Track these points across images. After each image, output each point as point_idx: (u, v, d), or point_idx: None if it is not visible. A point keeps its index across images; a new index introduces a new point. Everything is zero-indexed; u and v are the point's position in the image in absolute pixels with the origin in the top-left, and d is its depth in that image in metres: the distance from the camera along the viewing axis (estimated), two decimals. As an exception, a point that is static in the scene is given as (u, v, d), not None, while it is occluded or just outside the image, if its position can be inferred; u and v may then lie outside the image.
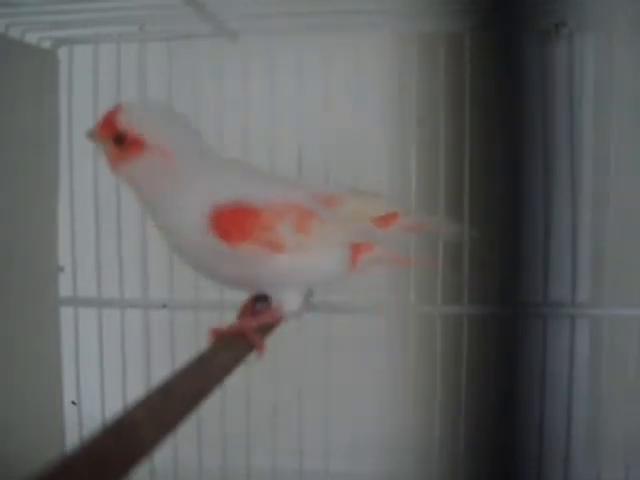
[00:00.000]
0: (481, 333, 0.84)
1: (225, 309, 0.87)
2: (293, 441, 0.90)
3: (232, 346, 0.56)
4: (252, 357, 0.59)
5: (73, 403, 0.93)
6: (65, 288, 0.92)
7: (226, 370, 0.51)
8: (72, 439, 0.91)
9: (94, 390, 0.91)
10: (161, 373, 0.47)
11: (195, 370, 0.49)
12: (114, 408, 0.42)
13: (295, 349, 0.87)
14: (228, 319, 0.65)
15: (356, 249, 0.62)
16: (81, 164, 0.91)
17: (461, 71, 0.83)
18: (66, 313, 0.92)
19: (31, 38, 0.87)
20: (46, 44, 0.90)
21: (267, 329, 0.61)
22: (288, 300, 0.60)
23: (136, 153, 0.55)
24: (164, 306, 0.90)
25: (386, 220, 0.73)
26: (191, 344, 0.72)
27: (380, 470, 0.92)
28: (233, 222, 0.55)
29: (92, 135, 0.58)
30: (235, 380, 0.54)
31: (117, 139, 0.56)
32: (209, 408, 0.49)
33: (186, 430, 0.45)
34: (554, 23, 0.81)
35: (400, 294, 0.88)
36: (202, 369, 0.49)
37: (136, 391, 0.46)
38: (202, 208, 0.55)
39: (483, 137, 0.80)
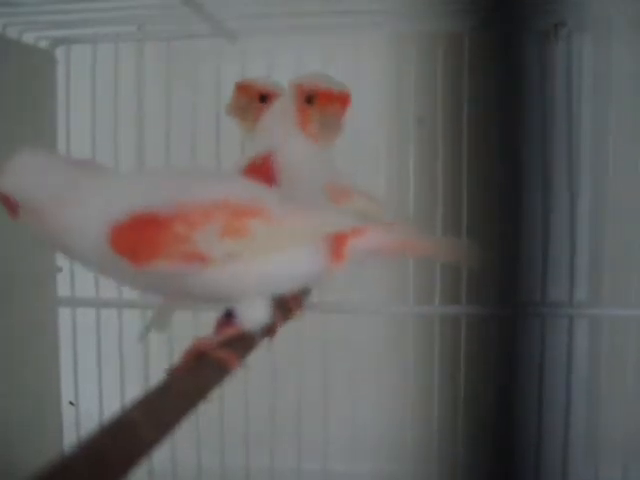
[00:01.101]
0: (479, 333, 0.84)
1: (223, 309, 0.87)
2: (292, 441, 0.90)
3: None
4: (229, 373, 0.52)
5: (71, 403, 0.93)
6: (63, 288, 0.92)
7: (226, 370, 0.51)
8: (70, 439, 0.91)
9: (92, 390, 0.91)
10: (159, 373, 0.47)
11: (194, 370, 0.48)
12: (112, 408, 0.42)
13: (294, 349, 0.87)
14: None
15: (339, 239, 0.51)
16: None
17: (460, 71, 0.83)
18: (64, 313, 0.92)
19: (29, 38, 0.87)
20: (44, 44, 0.90)
21: (242, 342, 0.53)
22: (246, 311, 0.51)
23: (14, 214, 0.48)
24: (162, 306, 0.90)
25: None
26: (189, 344, 0.72)
27: (379, 470, 0.92)
28: (135, 239, 0.45)
29: None
30: (233, 381, 0.53)
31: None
32: (207, 408, 0.49)
33: (184, 430, 0.45)
34: (553, 23, 0.81)
35: (398, 294, 0.88)
36: (201, 369, 0.49)
37: (134, 391, 0.46)
38: (98, 229, 0.45)
39: (481, 137, 0.80)
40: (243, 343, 0.53)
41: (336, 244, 0.51)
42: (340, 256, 0.51)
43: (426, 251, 0.56)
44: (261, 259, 0.48)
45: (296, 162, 0.61)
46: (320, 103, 0.62)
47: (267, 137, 0.64)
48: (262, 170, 0.60)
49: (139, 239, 0.45)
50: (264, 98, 0.71)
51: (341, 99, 0.63)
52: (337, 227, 0.51)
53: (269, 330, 0.58)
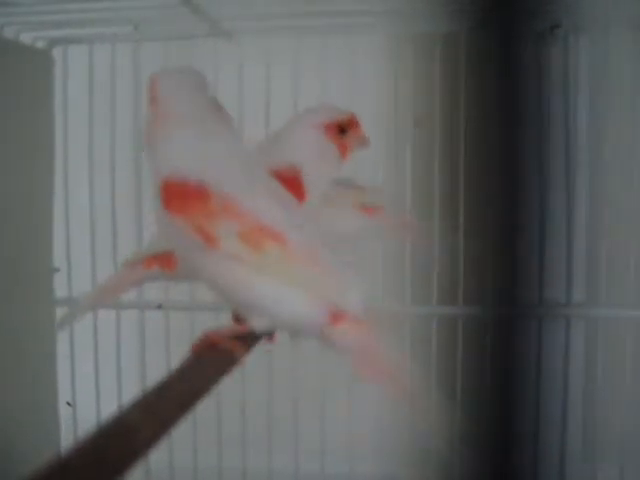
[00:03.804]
0: (476, 334, 0.84)
1: (220, 310, 0.87)
2: (289, 442, 0.90)
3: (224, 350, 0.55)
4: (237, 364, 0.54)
5: (68, 404, 0.92)
6: (60, 289, 0.92)
7: (221, 371, 0.51)
8: (67, 440, 0.91)
9: (89, 391, 0.91)
10: (156, 374, 0.47)
11: (190, 371, 0.49)
12: (109, 409, 0.42)
13: (290, 350, 0.87)
14: (224, 320, 0.65)
15: (336, 314, 0.53)
16: (76, 165, 0.91)
17: (457, 72, 0.83)
18: (61, 314, 0.92)
19: (26, 38, 0.87)
20: (41, 44, 0.90)
21: (251, 337, 0.56)
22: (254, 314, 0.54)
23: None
24: (159, 306, 0.90)
25: (367, 212, 0.75)
26: (186, 345, 0.72)
27: (376, 471, 0.92)
28: (176, 191, 0.51)
29: None
30: (230, 381, 0.54)
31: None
32: (204, 409, 0.49)
33: (181, 431, 0.45)
34: (549, 25, 0.81)
35: (395, 295, 0.88)
36: (197, 370, 0.49)
37: (131, 392, 0.46)
38: (163, 172, 0.53)
39: (478, 137, 0.80)
40: (251, 339, 0.56)
41: (331, 315, 0.53)
42: (332, 325, 0.53)
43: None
44: (257, 277, 0.51)
45: (324, 180, 0.66)
46: (353, 130, 0.67)
47: None
48: (289, 180, 0.61)
49: (178, 192, 0.51)
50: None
51: (355, 119, 0.68)
52: (337, 302, 0.53)
53: (268, 334, 0.58)
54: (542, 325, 0.84)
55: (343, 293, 0.53)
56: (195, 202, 0.51)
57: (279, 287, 0.52)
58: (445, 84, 0.85)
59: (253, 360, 0.58)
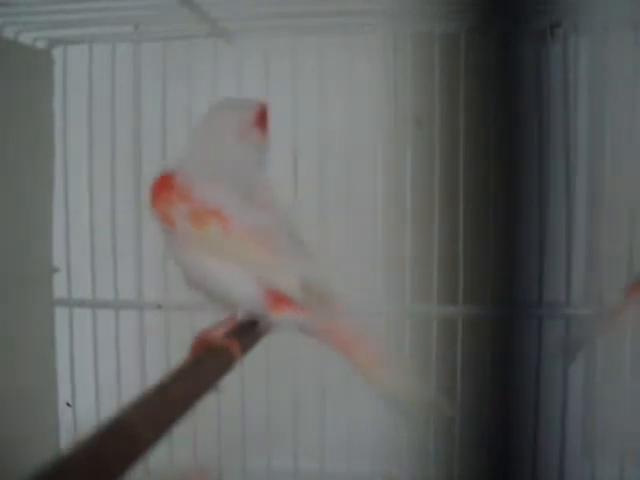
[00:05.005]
0: (476, 333, 0.84)
1: (220, 311, 0.86)
2: (289, 441, 0.90)
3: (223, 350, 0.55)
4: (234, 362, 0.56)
5: (68, 405, 0.92)
6: (60, 289, 0.92)
7: (221, 370, 0.51)
8: (67, 440, 0.91)
9: (89, 391, 0.91)
10: (156, 374, 0.47)
11: (190, 371, 0.49)
12: (109, 409, 0.42)
13: (290, 350, 0.87)
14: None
15: (276, 296, 0.57)
16: (76, 165, 0.91)
17: (456, 72, 0.83)
18: (61, 314, 0.92)
19: (26, 38, 0.87)
20: (41, 44, 0.90)
21: (244, 334, 0.58)
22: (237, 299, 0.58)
23: None
24: (159, 307, 0.90)
25: None
26: (186, 345, 0.72)
27: (375, 471, 0.92)
28: (157, 185, 0.60)
29: None
30: (230, 381, 0.54)
31: None
32: (204, 409, 0.49)
33: (181, 431, 0.45)
34: (549, 24, 0.81)
35: (395, 295, 0.88)
36: (197, 370, 0.49)
37: (131, 392, 0.46)
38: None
39: (478, 137, 0.80)
40: (247, 335, 0.58)
41: (271, 297, 0.57)
42: (272, 309, 0.57)
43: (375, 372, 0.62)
44: (203, 255, 0.57)
45: None
46: None
47: None
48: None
49: (156, 189, 0.60)
50: None
51: None
52: (280, 285, 0.57)
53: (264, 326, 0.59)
54: (542, 325, 0.83)
55: (282, 275, 0.57)
56: (162, 193, 0.59)
57: (220, 264, 0.57)
58: (445, 84, 0.85)
59: (252, 360, 0.58)
